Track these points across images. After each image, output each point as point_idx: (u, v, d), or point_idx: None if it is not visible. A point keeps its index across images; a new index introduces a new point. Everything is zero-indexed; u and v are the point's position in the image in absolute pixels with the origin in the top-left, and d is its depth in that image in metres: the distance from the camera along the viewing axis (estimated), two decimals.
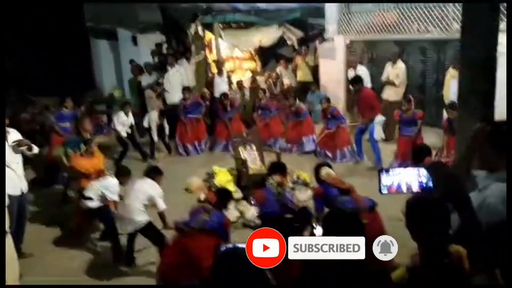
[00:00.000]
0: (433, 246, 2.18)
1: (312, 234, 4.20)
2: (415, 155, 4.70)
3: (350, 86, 9.43)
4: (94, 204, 5.55)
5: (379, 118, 8.27)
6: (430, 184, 2.22)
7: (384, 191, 2.29)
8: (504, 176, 2.42)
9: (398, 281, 2.18)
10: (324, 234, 2.32)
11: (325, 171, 5.04)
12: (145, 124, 9.49)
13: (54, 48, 13.17)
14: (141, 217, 5.05)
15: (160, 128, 9.52)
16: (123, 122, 8.85)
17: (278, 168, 5.20)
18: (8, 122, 5.36)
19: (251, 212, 6.33)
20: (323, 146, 9.03)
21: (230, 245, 2.25)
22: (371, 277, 2.16)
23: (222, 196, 4.71)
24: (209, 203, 4.64)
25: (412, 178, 2.26)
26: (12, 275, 4.31)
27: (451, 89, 8.24)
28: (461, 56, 3.70)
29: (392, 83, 9.39)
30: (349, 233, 2.15)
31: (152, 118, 9.41)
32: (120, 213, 5.28)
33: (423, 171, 2.25)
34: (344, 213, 2.41)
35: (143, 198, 5.06)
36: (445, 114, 7.49)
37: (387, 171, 2.32)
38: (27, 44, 12.89)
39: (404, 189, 2.28)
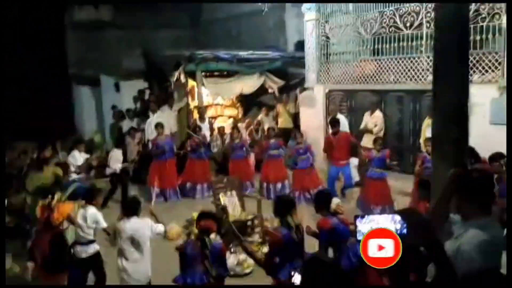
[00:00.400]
0: None
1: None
2: (319, 200, 4.56)
3: (329, 129, 9.60)
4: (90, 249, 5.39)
5: (355, 161, 8.44)
6: (404, 230, 2.25)
7: (361, 237, 2.31)
8: (478, 223, 2.47)
9: None
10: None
11: (336, 202, 4.59)
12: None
13: (35, 93, 13.18)
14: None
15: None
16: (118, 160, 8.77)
17: (291, 205, 4.32)
18: None
19: (230, 260, 6.23)
20: (299, 188, 9.04)
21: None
22: None
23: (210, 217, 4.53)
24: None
25: (387, 224, 2.29)
26: None
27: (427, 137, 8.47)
28: (433, 105, 3.82)
29: (370, 132, 9.60)
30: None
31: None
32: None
33: (397, 217, 2.28)
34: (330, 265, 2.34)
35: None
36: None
37: (362, 217, 2.36)
38: (9, 87, 12.87)
39: None
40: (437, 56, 3.72)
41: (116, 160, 8.90)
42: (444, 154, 3.50)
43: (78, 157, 8.74)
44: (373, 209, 7.53)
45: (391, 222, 2.27)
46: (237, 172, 9.57)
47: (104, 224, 5.44)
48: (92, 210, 5.45)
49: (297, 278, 2.46)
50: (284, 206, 4.22)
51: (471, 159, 4.92)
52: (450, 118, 3.42)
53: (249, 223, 7.22)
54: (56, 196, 5.81)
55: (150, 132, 10.47)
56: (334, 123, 8.92)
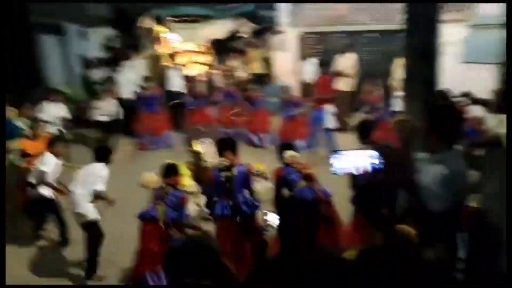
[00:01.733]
0: (380, 227, 2.26)
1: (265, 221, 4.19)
2: (361, 131, 4.69)
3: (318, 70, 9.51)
4: (43, 192, 5.39)
5: (331, 108, 8.44)
6: (379, 165, 2.30)
7: (337, 171, 2.37)
8: (438, 157, 2.52)
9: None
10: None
11: (290, 153, 4.73)
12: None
13: None
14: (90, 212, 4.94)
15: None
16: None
17: (228, 146, 4.63)
18: None
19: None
20: (284, 137, 9.04)
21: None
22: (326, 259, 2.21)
23: (169, 170, 4.69)
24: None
25: (362, 159, 2.34)
26: None
27: (398, 78, 8.54)
28: (405, 45, 3.83)
29: (343, 74, 9.60)
30: (304, 220, 2.19)
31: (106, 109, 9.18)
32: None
33: (372, 153, 2.33)
34: (302, 202, 2.41)
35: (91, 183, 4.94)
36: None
37: (338, 152, 2.41)
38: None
39: (355, 170, 2.37)
40: None
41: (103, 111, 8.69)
42: (414, 94, 3.55)
43: (52, 109, 8.44)
44: None
45: (366, 156, 2.32)
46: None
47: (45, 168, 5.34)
48: (49, 155, 5.39)
49: (271, 217, 2.52)
50: (220, 146, 4.64)
51: (471, 101, 5.01)
52: (421, 57, 3.43)
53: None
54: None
55: (126, 83, 10.20)
56: (325, 63, 8.88)
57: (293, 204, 2.40)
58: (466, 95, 6.47)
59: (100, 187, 4.98)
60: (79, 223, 4.98)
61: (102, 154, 5.14)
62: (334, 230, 4.22)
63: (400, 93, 7.66)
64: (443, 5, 4.09)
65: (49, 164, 5.33)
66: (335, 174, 2.43)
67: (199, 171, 7.33)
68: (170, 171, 4.68)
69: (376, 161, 2.30)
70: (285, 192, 4.39)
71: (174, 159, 7.69)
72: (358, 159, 2.36)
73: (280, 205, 2.36)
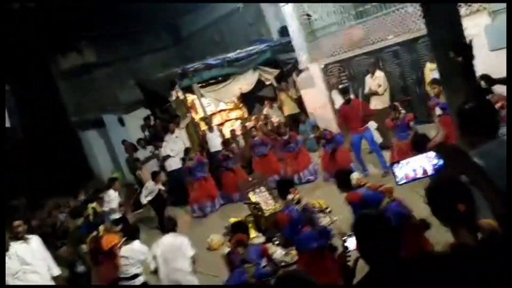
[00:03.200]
0: (461, 225, 2.18)
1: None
2: (416, 146, 4.70)
3: (341, 99, 9.42)
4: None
5: (373, 124, 8.38)
6: (441, 163, 2.28)
7: (402, 181, 2.35)
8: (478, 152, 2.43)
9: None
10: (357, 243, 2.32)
11: (356, 175, 4.67)
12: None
13: (44, 149, 13.38)
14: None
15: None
16: (110, 200, 8.75)
17: (289, 184, 4.76)
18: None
19: (278, 252, 6.29)
20: (326, 170, 9.05)
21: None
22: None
23: (240, 228, 4.73)
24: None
25: (423, 162, 2.32)
26: None
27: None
28: (432, 46, 3.85)
29: (375, 93, 9.59)
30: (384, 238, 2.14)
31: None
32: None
33: (430, 154, 2.32)
34: (377, 217, 2.35)
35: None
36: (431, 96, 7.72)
37: (397, 163, 2.40)
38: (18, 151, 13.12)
39: (419, 173, 2.34)
40: None
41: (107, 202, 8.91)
42: (455, 89, 3.52)
43: (113, 196, 8.78)
44: None
45: (426, 160, 2.31)
46: (261, 168, 9.66)
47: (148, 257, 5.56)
48: (136, 245, 5.59)
49: (350, 242, 2.47)
50: (281, 187, 4.70)
51: (487, 84, 4.83)
52: (451, 50, 3.42)
53: None
54: (101, 228, 6.11)
55: (173, 153, 10.68)
56: (346, 91, 8.98)
57: (383, 222, 2.30)
58: (482, 77, 6.24)
59: (191, 251, 5.18)
60: None
61: (171, 225, 5.36)
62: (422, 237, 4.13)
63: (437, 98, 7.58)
64: None
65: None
66: (402, 184, 2.41)
67: (259, 221, 7.38)
68: (237, 229, 4.74)
69: (437, 161, 2.28)
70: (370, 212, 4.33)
71: (228, 218, 7.87)
72: (419, 164, 2.35)
73: (362, 228, 2.29)
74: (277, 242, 6.63)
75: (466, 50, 3.32)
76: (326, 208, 7.36)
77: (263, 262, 4.36)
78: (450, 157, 2.19)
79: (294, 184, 4.79)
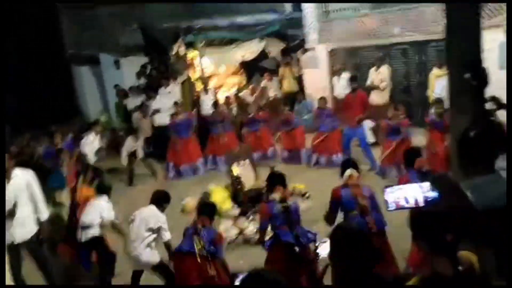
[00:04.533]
0: (444, 255, 2.16)
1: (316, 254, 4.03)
2: (406, 158, 4.68)
3: (348, 85, 9.13)
4: (93, 231, 5.45)
5: (369, 123, 8.32)
6: (434, 196, 2.24)
7: (392, 207, 2.32)
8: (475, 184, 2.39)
9: None
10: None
11: (348, 172, 4.45)
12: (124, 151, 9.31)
13: (35, 79, 13.09)
14: (151, 257, 4.94)
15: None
16: (88, 143, 8.65)
17: (278, 180, 4.66)
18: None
19: (250, 228, 6.29)
20: (318, 151, 8.96)
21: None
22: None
23: (206, 211, 4.69)
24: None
25: (416, 192, 2.29)
26: None
27: (435, 89, 8.36)
28: (447, 56, 3.74)
29: (377, 88, 9.48)
30: (356, 252, 2.13)
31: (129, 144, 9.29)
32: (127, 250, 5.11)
33: (425, 185, 2.28)
34: (354, 231, 2.34)
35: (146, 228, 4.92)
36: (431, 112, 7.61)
37: (391, 187, 2.37)
38: (7, 77, 12.78)
39: (410, 203, 2.31)
40: (449, 4, 3.61)
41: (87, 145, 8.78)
42: (461, 109, 3.44)
43: (91, 140, 8.66)
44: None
45: (419, 189, 2.27)
46: (252, 143, 9.50)
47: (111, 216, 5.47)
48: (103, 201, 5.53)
49: (322, 249, 2.45)
50: (270, 181, 4.63)
51: (496, 106, 4.76)
52: (467, 67, 3.33)
53: (263, 190, 7.23)
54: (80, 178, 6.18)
55: (161, 110, 10.38)
56: (354, 79, 8.84)
57: (345, 232, 2.32)
58: (492, 99, 6.16)
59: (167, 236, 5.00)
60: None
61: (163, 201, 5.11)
62: (387, 264, 4.11)
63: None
64: (482, 10, 3.98)
65: (99, 211, 5.42)
66: (391, 210, 2.39)
67: (238, 193, 7.36)
68: (205, 211, 4.68)
69: (431, 193, 2.25)
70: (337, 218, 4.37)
71: (206, 184, 7.81)
72: (412, 192, 2.31)
73: (332, 231, 2.29)
74: (251, 218, 6.63)
75: (482, 74, 3.23)
76: (306, 193, 7.36)
77: (211, 248, 4.38)
78: (447, 193, 2.15)
79: (285, 183, 4.61)
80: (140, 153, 9.28)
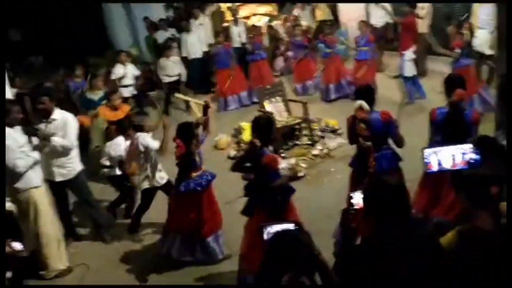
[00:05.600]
0: (487, 209, 2.10)
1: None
2: (446, 85, 4.34)
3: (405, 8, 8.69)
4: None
5: (409, 55, 7.92)
6: (476, 158, 2.14)
7: (433, 169, 2.25)
8: None
9: (448, 245, 2.12)
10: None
11: (358, 103, 3.98)
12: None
13: (65, 15, 13.03)
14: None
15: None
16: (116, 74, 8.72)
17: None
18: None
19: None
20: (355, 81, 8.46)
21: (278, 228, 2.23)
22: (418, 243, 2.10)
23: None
24: None
25: (457, 153, 2.19)
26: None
27: (479, 16, 7.84)
28: None
29: (417, 16, 8.93)
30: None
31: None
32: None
33: (467, 146, 2.17)
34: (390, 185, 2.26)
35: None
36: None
37: (430, 148, 2.28)
38: (38, 14, 12.77)
39: (451, 165, 2.22)
40: None
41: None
42: None
43: (118, 71, 8.71)
44: None
45: (461, 151, 2.17)
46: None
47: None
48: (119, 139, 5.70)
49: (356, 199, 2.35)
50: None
51: None
52: None
53: (296, 126, 7.18)
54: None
55: (195, 42, 10.18)
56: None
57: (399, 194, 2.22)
58: None
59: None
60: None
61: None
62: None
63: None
64: None
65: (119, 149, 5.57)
66: (432, 173, 2.30)
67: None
68: (182, 132, 4.42)
69: (473, 155, 2.14)
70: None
71: (239, 120, 7.75)
72: (452, 154, 2.21)
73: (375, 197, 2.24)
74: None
75: None
76: (338, 129, 7.27)
77: None
78: (491, 156, 2.05)
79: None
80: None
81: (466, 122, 3.83)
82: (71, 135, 4.79)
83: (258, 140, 3.73)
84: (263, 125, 3.87)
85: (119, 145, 5.63)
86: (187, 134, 4.37)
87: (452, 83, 4.06)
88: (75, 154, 4.94)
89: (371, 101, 4.02)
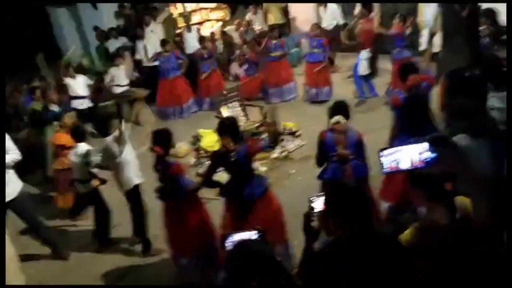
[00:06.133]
0: (442, 203, 2.18)
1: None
2: (400, 72, 4.51)
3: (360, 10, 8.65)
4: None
5: (365, 54, 8.08)
6: (432, 157, 2.21)
7: (387, 170, 2.30)
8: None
9: (407, 243, 2.18)
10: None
11: (336, 119, 4.03)
12: None
13: (13, 24, 12.53)
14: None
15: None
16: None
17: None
18: None
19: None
20: (311, 84, 8.70)
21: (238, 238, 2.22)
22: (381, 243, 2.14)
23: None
24: None
25: (413, 153, 2.25)
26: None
27: (425, 16, 8.15)
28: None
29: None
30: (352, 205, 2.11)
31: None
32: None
33: (423, 145, 2.23)
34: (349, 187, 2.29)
35: None
36: None
37: (386, 149, 2.33)
38: None
39: (407, 165, 2.28)
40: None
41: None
42: (454, 45, 3.34)
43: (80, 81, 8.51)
44: None
45: (416, 151, 2.23)
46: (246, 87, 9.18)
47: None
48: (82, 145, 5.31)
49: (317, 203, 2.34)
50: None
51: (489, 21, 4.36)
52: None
53: (255, 131, 7.21)
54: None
55: (151, 48, 9.97)
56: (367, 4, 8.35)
57: (361, 196, 2.25)
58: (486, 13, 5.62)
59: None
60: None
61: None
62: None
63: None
64: None
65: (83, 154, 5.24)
66: (386, 174, 2.36)
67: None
68: (159, 139, 4.27)
69: (428, 154, 2.20)
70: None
71: (197, 126, 7.69)
72: (408, 154, 2.27)
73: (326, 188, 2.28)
74: None
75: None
76: (296, 131, 7.34)
77: None
78: (446, 154, 2.13)
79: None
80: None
81: (426, 104, 4.15)
82: None
83: (231, 141, 3.75)
84: (232, 124, 3.90)
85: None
86: (165, 140, 4.27)
87: (405, 71, 4.43)
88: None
89: (347, 115, 4.10)
